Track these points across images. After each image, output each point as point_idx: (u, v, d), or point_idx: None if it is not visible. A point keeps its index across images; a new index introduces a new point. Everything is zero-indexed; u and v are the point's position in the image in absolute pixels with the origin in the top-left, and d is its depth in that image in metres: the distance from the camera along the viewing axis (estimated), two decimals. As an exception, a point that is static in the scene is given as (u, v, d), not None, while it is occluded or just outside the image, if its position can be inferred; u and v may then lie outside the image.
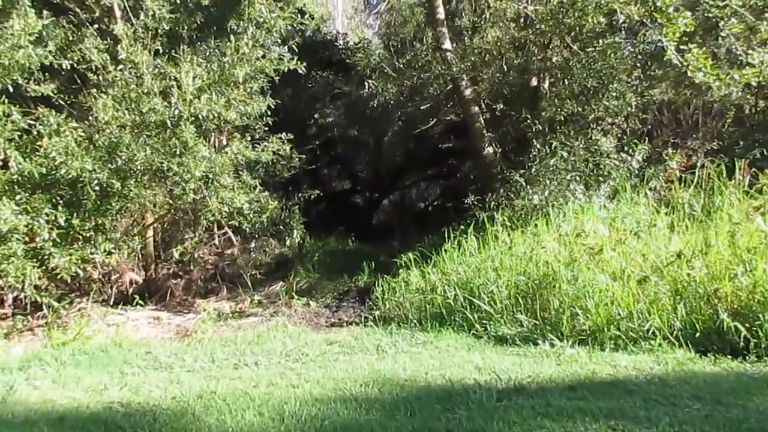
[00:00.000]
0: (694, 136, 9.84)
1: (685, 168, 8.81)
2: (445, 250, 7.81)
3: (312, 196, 19.17)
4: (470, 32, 12.72)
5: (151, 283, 9.98)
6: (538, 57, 10.43)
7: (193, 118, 6.78)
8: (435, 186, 23.69)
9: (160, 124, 6.80)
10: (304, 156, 14.02)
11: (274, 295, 10.21)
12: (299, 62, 8.29)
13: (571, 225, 7.52)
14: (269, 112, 8.70)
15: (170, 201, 8.15)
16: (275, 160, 8.77)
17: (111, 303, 8.90)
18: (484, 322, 6.15)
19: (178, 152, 6.92)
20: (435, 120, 12.91)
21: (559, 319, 5.68)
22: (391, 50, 12.25)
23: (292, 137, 8.72)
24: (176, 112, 6.61)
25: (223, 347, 6.32)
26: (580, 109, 9.37)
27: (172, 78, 7.04)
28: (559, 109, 9.77)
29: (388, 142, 23.53)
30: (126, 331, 7.69)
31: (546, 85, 11.56)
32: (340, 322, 8.06)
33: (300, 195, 9.70)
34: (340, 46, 19.01)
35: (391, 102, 13.22)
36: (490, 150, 11.71)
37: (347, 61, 15.96)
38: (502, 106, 11.77)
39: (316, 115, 20.86)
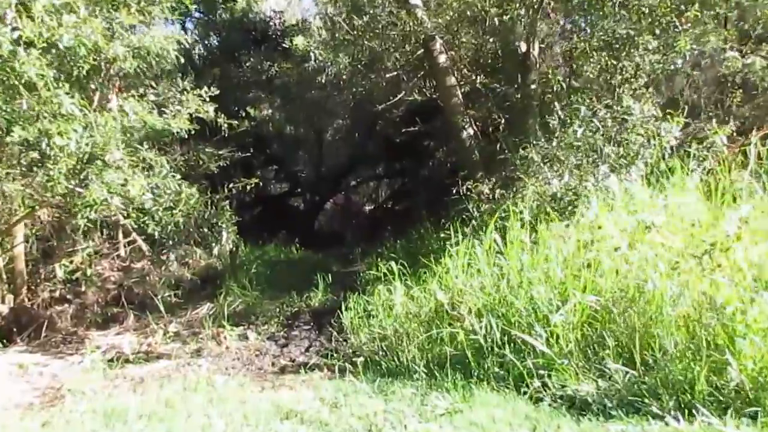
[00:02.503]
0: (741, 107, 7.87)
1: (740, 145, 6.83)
2: (448, 255, 5.40)
3: (245, 195, 16.56)
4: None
5: (21, 313, 7.13)
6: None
7: (46, 45, 4.12)
8: (384, 186, 21.37)
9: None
10: (236, 150, 11.57)
11: (199, 323, 7.55)
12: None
13: (614, 217, 5.30)
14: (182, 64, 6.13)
15: (35, 194, 5.43)
16: (193, 134, 6.14)
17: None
18: (540, 372, 3.77)
19: (33, 111, 4.23)
20: (396, 99, 10.49)
21: (676, 368, 3.38)
22: (344, 8, 9.75)
23: (216, 95, 6.11)
24: (14, 34, 3.94)
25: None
26: (608, 65, 7.15)
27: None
28: (574, 70, 7.55)
29: (331, 137, 21.11)
30: (-42, 394, 4.94)
31: (536, 51, 9.41)
32: (294, 365, 5.53)
33: (230, 186, 7.06)
34: (276, 26, 16.35)
35: (343, 77, 10.75)
36: (470, 131, 9.43)
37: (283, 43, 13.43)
38: (483, 78, 9.51)
39: (249, 108, 18.28)
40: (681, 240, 4.35)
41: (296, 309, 7.93)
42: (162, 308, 7.20)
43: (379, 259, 8.64)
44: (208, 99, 5.97)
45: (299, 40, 11.04)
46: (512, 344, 4.04)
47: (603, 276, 4.19)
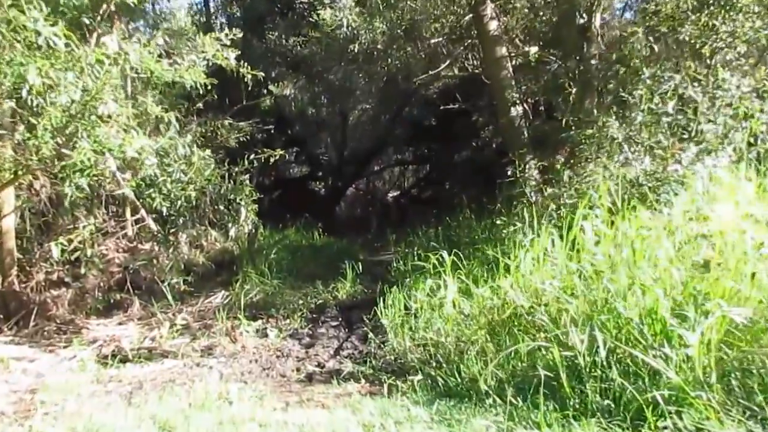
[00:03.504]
0: None
1: None
2: (520, 247, 4.37)
3: (264, 177, 15.61)
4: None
5: (9, 297, 6.25)
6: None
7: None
8: (410, 172, 20.35)
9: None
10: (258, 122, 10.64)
11: (211, 314, 6.64)
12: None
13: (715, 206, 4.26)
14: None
15: (19, 157, 4.51)
16: (211, 101, 5.18)
17: None
18: (670, 410, 2.75)
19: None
20: (438, 71, 9.43)
21: None
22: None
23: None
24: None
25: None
26: (702, 29, 6.02)
27: None
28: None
29: (356, 120, 20.11)
30: None
31: (597, 22, 8.33)
32: (324, 372, 4.56)
33: (251, 158, 6.08)
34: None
35: (378, 47, 9.71)
36: (519, 109, 8.38)
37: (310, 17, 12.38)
38: (537, 50, 8.44)
39: (271, 86, 17.33)
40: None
41: (321, 301, 6.97)
42: (170, 296, 6.25)
43: (415, 249, 7.68)
44: (228, 43, 4.96)
45: (327, 14, 10.06)
46: (618, 365, 3.04)
47: (738, 281, 3.17)
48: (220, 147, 9.09)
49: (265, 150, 6.37)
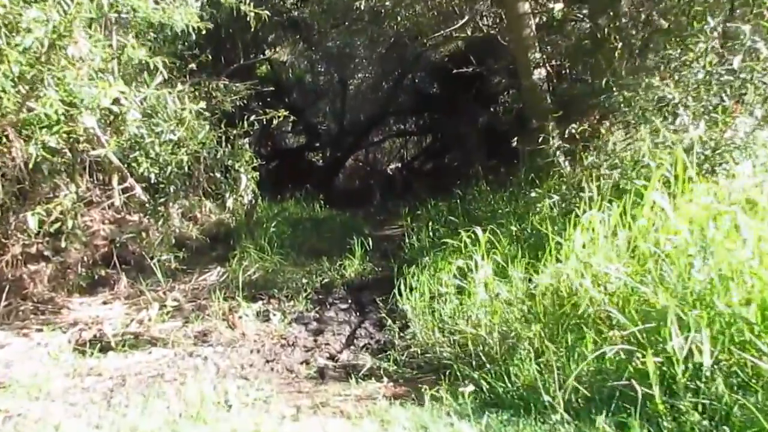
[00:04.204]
0: None
1: None
2: (574, 225, 3.68)
3: (261, 147, 14.94)
4: None
5: (-21, 273, 5.57)
6: None
7: None
8: (412, 143, 19.57)
9: None
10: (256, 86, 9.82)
11: (206, 293, 5.99)
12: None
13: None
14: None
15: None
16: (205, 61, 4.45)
17: None
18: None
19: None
20: (454, 27, 8.66)
21: None
22: None
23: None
24: None
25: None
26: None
27: None
28: None
29: (355, 89, 19.27)
30: None
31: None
32: (338, 367, 3.92)
33: (251, 119, 5.36)
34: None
35: (386, 3, 8.92)
36: (542, 72, 7.67)
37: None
38: (562, 6, 7.70)
39: (267, 51, 16.46)
40: None
41: (327, 280, 6.32)
42: (159, 274, 5.59)
43: (429, 223, 7.02)
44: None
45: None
46: (721, 373, 2.40)
47: None
48: (216, 110, 8.34)
49: (267, 111, 5.64)
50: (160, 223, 5.28)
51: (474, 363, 3.31)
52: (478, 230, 4.07)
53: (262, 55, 16.65)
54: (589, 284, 2.95)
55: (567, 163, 5.73)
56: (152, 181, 4.80)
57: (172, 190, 4.89)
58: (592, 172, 5.20)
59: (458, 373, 3.28)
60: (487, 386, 3.01)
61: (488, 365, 3.18)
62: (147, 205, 5.05)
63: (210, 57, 10.24)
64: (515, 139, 7.00)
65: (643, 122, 4.94)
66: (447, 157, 16.55)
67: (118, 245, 6.72)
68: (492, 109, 11.19)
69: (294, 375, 3.81)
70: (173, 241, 5.66)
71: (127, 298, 6.07)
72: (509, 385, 2.94)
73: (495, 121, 10.38)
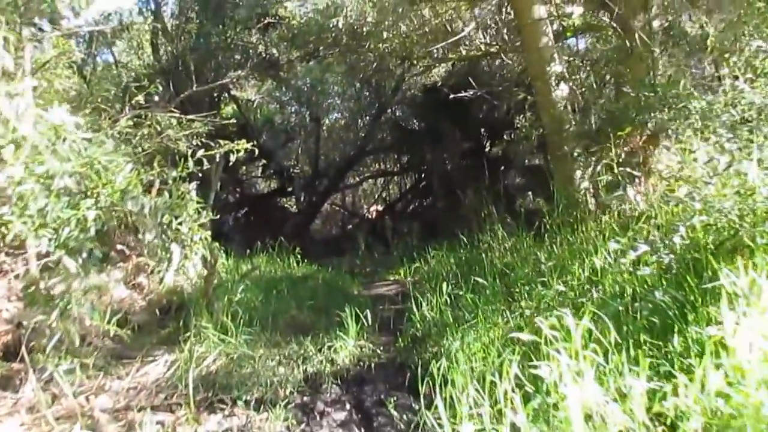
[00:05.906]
0: None
1: None
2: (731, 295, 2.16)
3: (228, 194, 13.87)
4: None
5: None
6: None
7: None
8: (395, 182, 18.08)
9: None
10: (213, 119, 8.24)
11: (145, 396, 4.30)
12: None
13: None
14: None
15: None
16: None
17: None
18: None
19: None
20: (458, 37, 7.29)
21: None
22: None
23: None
24: None
25: None
26: None
27: None
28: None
29: (331, 125, 17.90)
30: None
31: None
32: None
33: (198, 156, 3.76)
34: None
35: (369, 19, 7.52)
36: (564, 89, 6.29)
37: None
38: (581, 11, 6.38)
39: (231, 89, 15.03)
40: None
41: (314, 370, 4.63)
42: (65, 385, 3.90)
43: (438, 281, 5.45)
44: None
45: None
46: None
47: None
48: (169, 151, 6.75)
49: (221, 143, 4.10)
50: (53, 316, 3.61)
51: None
52: (570, 318, 2.47)
53: (227, 94, 15.33)
54: None
55: (638, 197, 4.23)
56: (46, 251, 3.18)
57: (77, 263, 3.24)
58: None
59: None
60: None
61: None
62: (32, 288, 3.39)
63: (161, 87, 8.75)
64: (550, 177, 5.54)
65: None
66: (443, 196, 15.10)
67: (26, 330, 5.02)
68: (506, 138, 9.65)
69: None
70: (77, 341, 3.98)
71: (30, 410, 4.34)
72: None
73: (509, 149, 8.87)
